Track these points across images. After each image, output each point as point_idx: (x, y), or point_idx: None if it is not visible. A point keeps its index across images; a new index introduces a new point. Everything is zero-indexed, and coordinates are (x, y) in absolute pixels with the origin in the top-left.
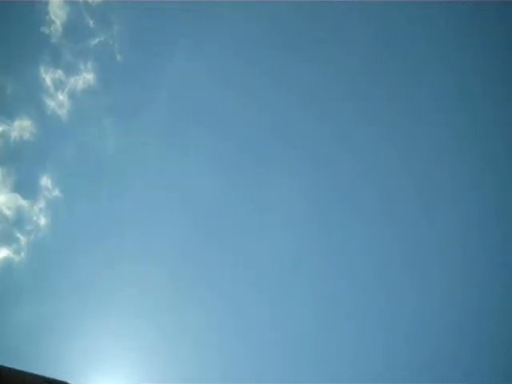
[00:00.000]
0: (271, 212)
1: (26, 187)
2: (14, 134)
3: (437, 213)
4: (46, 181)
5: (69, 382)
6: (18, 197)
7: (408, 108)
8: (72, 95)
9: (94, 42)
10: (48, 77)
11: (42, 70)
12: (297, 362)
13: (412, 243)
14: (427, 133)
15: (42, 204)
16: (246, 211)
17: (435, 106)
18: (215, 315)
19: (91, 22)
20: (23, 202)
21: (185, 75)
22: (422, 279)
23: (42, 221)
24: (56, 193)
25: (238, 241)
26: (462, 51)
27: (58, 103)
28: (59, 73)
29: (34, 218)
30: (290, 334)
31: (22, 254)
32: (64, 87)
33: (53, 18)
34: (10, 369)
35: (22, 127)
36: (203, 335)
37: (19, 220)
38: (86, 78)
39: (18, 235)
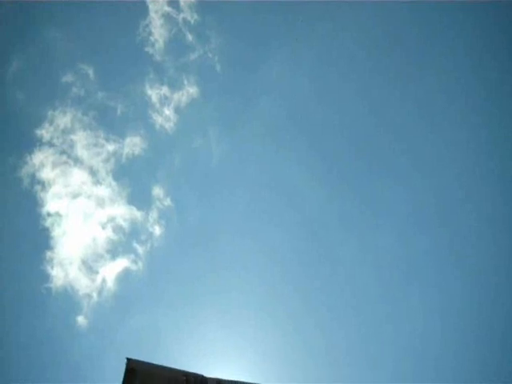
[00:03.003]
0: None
1: (139, 199)
2: (126, 151)
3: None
4: (158, 191)
5: (204, 374)
6: (134, 208)
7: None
8: (177, 109)
9: (194, 56)
10: (154, 93)
11: (147, 87)
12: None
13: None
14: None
15: (155, 214)
16: (354, 219)
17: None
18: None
19: (190, 38)
20: (138, 214)
21: (282, 81)
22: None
23: (156, 230)
24: (168, 202)
25: (343, 251)
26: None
27: (165, 118)
28: (164, 89)
29: (149, 228)
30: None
31: (140, 264)
32: (169, 102)
33: (156, 37)
34: (146, 363)
35: (132, 144)
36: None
37: (135, 231)
38: (189, 91)
39: (135, 245)
